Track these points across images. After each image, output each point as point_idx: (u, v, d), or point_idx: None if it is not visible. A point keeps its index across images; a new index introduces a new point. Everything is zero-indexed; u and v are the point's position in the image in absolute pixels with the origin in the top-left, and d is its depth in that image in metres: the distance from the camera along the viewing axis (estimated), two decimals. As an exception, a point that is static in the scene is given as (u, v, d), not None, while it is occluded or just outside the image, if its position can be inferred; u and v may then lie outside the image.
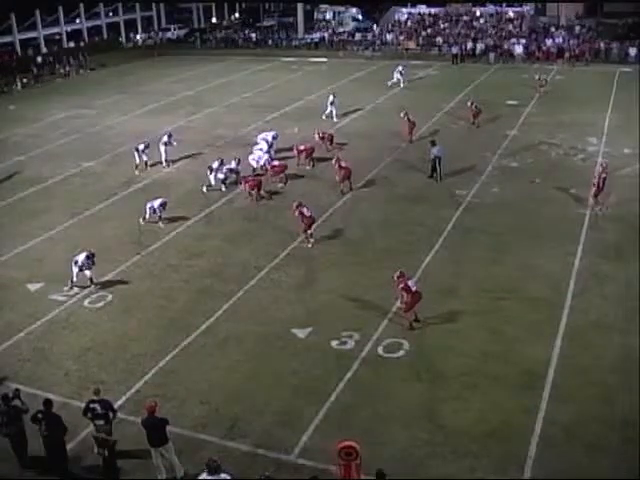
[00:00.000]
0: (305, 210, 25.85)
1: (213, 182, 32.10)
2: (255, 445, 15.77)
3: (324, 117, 43.44)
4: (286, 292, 22.76)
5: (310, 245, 25.97)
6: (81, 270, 23.34)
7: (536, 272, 23.45)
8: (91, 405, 15.20)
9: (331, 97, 43.51)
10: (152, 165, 35.48)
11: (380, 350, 19.33)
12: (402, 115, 38.10)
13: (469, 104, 42.18)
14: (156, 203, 28.34)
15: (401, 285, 20.25)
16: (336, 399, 17.32)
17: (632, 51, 64.37)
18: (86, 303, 22.48)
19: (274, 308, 21.75)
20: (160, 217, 28.35)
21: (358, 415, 16.71)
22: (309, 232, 26.10)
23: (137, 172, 34.71)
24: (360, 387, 17.81)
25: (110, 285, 23.58)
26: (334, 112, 43.44)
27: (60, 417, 15.14)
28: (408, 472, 14.79)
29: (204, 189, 31.81)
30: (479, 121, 41.37)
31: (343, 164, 31.18)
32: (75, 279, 23.47)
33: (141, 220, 28.52)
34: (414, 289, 20.30)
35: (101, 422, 15.11)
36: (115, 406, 15.99)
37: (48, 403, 15.22)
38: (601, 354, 18.88)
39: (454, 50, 67.00)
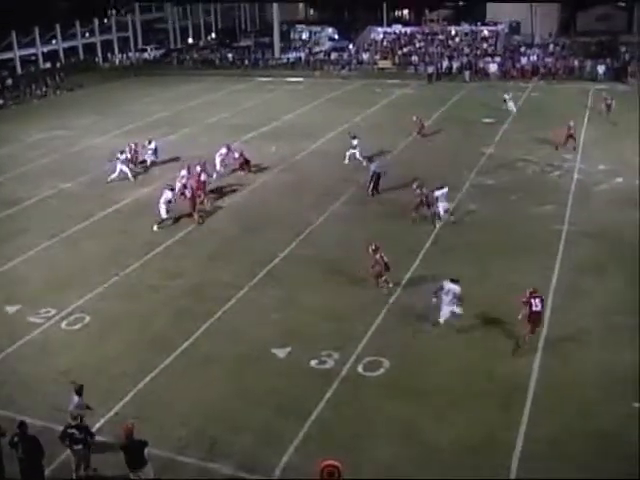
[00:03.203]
0: (383, 255, 23.14)
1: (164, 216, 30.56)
2: (236, 466, 15.67)
3: (346, 161, 38.12)
4: (265, 312, 22.69)
5: (386, 291, 23.45)
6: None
7: (515, 288, 23.37)
8: (69, 430, 15.04)
9: (355, 141, 38.16)
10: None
11: (360, 369, 19.29)
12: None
13: (414, 119, 42.90)
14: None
15: (524, 300, 19.84)
16: (317, 418, 17.26)
17: (600, 69, 65.14)
18: (64, 325, 22.28)
19: (253, 328, 21.66)
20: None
21: (339, 434, 16.65)
22: (384, 278, 23.52)
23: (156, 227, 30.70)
24: (341, 406, 17.76)
25: (88, 306, 23.39)
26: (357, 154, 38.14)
27: (37, 440, 14.95)
28: (390, 491, 14.75)
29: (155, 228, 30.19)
30: (424, 132, 42.96)
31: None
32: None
33: (155, 227, 29.79)
34: (535, 309, 19.75)
35: (79, 447, 14.96)
36: (94, 429, 15.86)
37: (23, 425, 14.97)
38: (581, 368, 18.96)
39: (430, 70, 67.39)
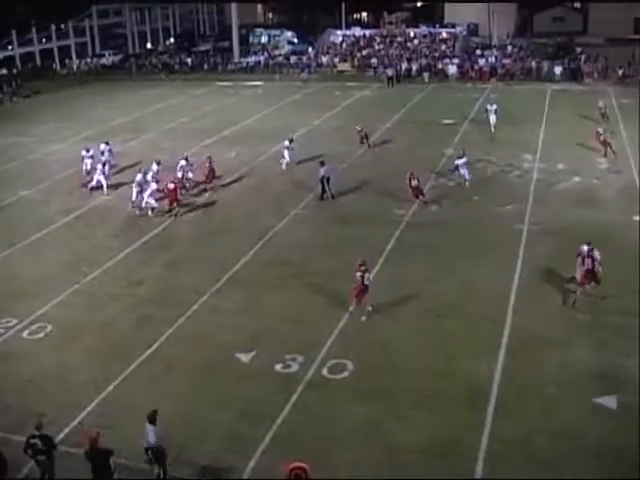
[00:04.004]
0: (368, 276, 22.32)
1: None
2: (202, 472, 15.61)
3: (284, 167, 38.59)
4: (228, 316, 22.64)
5: (364, 317, 22.33)
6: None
7: (477, 289, 23.72)
8: (31, 441, 14.84)
9: (286, 142, 38.89)
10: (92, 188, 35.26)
11: (325, 372, 19.32)
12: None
13: (358, 128, 42.04)
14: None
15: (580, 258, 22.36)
16: (282, 422, 17.25)
17: (557, 70, 66.08)
18: (25, 334, 22.01)
19: (217, 333, 21.60)
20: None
21: (305, 437, 16.64)
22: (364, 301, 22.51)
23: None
24: (306, 409, 17.77)
25: (50, 315, 23.14)
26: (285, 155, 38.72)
27: (0, 451, 14.79)
28: (356, 493, 14.78)
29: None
30: (369, 142, 41.88)
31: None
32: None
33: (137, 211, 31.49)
34: (589, 267, 22.16)
35: (42, 457, 14.80)
36: (58, 438, 15.71)
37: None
38: (543, 368, 19.15)
39: (389, 72, 67.69)
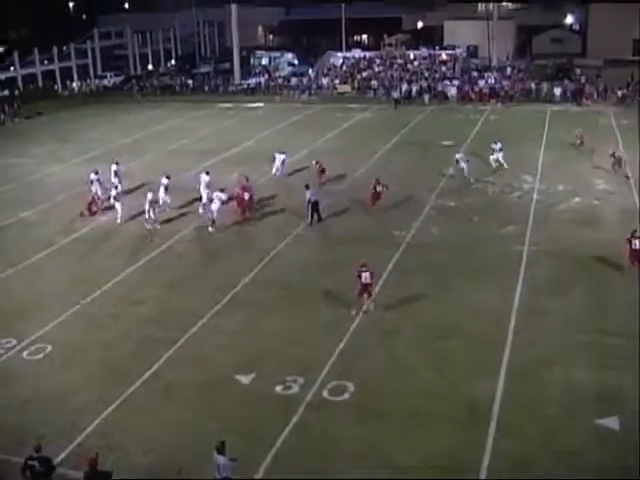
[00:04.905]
0: (367, 276, 23.49)
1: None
2: (203, 493, 15.55)
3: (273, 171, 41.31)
4: (229, 338, 22.60)
5: (354, 313, 23.70)
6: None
7: (478, 310, 23.70)
8: (29, 462, 14.78)
9: (282, 156, 41.33)
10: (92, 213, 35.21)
11: (325, 393, 19.27)
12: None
13: (314, 163, 39.99)
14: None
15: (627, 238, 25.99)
16: (283, 444, 17.19)
17: (557, 91, 66.40)
18: (25, 355, 21.97)
19: (217, 354, 21.57)
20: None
21: (306, 459, 16.59)
22: (367, 299, 23.95)
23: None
24: (307, 431, 17.72)
25: (50, 336, 23.09)
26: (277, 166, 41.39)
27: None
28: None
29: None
30: (324, 179, 39.12)
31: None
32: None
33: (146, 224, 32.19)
34: (635, 248, 25.77)
35: (41, 480, 14.75)
36: (57, 460, 15.65)
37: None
38: (544, 389, 19.12)
39: (395, 95, 67.70)
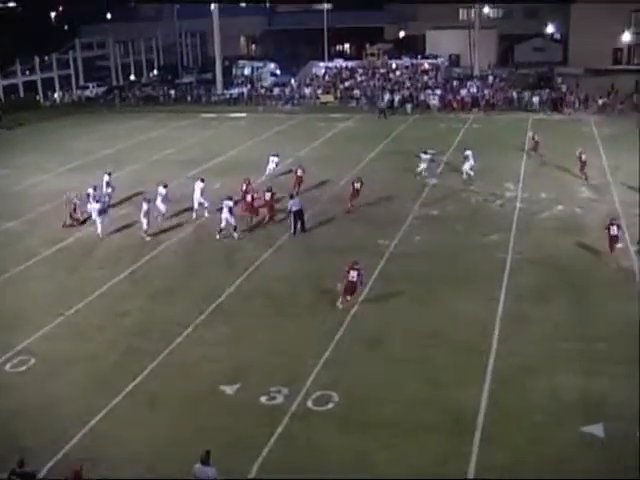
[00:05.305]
0: (354, 274, 24.38)
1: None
2: (189, 504, 15.49)
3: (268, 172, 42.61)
4: (213, 348, 22.55)
5: (340, 305, 24.78)
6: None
7: (462, 318, 23.78)
8: (12, 477, 14.65)
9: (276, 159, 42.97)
10: (81, 222, 35.01)
11: (310, 403, 19.25)
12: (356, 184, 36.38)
13: (264, 190, 36.73)
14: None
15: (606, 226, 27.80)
16: (268, 454, 17.17)
17: (535, 99, 66.80)
18: (8, 368, 21.81)
19: (201, 365, 21.51)
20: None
21: (292, 469, 16.56)
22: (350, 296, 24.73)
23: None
24: (292, 441, 17.69)
25: (33, 348, 22.95)
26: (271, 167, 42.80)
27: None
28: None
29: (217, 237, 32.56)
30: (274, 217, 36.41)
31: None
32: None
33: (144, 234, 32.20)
34: (613, 234, 27.44)
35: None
36: (41, 472, 15.55)
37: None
38: (529, 397, 19.18)
39: (382, 105, 67.81)
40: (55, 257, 31.26)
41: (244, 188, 35.74)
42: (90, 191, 35.88)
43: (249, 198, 34.11)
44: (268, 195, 34.26)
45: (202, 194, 35.46)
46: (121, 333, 23.91)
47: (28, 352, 22.70)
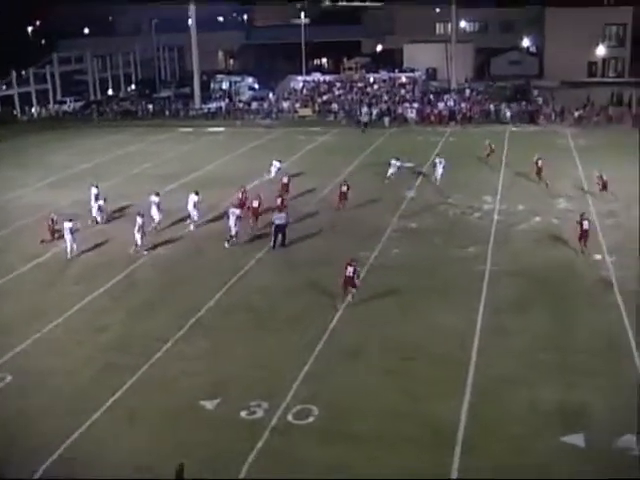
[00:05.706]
0: (351, 270, 25.91)
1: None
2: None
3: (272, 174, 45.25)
4: (193, 363, 22.48)
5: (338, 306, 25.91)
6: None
7: (441, 330, 23.85)
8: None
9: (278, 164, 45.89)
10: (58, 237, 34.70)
11: (290, 417, 19.23)
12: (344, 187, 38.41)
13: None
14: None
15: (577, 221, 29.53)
16: (248, 469, 17.11)
17: (507, 112, 67.41)
18: (-16, 385, 21.69)
19: (181, 380, 21.44)
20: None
21: (272, 484, 16.54)
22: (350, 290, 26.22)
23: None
24: (272, 456, 17.65)
25: (9, 365, 22.75)
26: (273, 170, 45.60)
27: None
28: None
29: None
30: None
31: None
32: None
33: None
34: (585, 228, 29.07)
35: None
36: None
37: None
38: (508, 408, 19.26)
39: (364, 118, 67.83)
40: (33, 272, 31.04)
41: (240, 196, 36.32)
42: (94, 190, 37.23)
43: (255, 204, 34.78)
44: (256, 203, 34.84)
45: (195, 206, 35.71)
46: (100, 349, 23.77)
47: (4, 369, 22.48)
